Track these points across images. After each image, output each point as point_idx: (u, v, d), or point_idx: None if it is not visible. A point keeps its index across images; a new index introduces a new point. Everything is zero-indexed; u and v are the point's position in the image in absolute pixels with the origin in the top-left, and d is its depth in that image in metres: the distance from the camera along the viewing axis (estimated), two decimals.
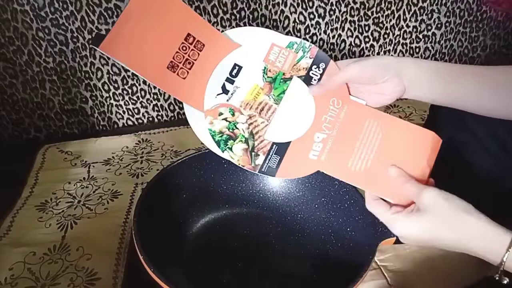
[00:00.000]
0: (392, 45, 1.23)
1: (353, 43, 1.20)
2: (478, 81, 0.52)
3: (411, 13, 1.19)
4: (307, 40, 1.15)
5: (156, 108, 1.12)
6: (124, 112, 1.10)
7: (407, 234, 0.46)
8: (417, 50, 1.26)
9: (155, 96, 1.10)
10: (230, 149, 0.52)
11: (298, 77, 0.54)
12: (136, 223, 0.57)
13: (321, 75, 0.54)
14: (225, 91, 0.53)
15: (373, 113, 0.54)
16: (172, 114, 1.14)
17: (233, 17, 1.05)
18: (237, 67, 0.54)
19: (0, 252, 0.71)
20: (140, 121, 1.13)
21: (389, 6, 1.16)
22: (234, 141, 0.52)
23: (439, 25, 1.23)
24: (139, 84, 1.08)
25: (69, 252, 0.71)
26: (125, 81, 1.06)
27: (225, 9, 1.04)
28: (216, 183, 0.74)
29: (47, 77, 1.00)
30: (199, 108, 0.52)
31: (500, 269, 0.42)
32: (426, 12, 1.20)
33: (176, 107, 1.13)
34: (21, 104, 1.01)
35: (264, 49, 0.55)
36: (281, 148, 0.52)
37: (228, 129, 0.52)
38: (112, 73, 1.04)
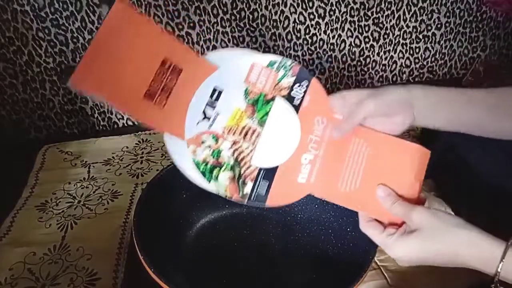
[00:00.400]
0: (392, 45, 1.23)
1: (353, 43, 1.20)
2: (485, 107, 0.52)
3: (411, 13, 1.19)
4: (307, 41, 1.15)
5: None
6: (124, 112, 1.10)
7: (402, 257, 0.46)
8: (417, 50, 1.26)
9: None
10: (216, 178, 0.49)
11: (281, 97, 0.52)
12: (136, 223, 0.57)
13: (304, 93, 0.52)
14: (206, 117, 0.50)
15: (359, 130, 0.52)
16: None
17: (233, 17, 1.05)
18: (217, 91, 0.51)
19: (0, 252, 0.71)
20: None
21: (389, 6, 1.16)
22: (219, 170, 0.50)
23: (439, 25, 1.23)
24: None
25: (69, 252, 0.71)
26: None
27: (225, 9, 1.04)
28: None
29: (47, 77, 1.00)
30: (181, 137, 0.49)
31: (495, 279, 0.42)
32: (426, 12, 1.20)
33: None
34: (21, 104, 1.01)
35: (244, 70, 0.52)
36: (269, 173, 0.50)
37: (213, 157, 0.50)
38: None
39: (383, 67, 1.26)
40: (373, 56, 1.23)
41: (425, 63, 1.29)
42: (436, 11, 1.20)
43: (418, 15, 1.20)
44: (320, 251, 0.68)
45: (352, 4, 1.13)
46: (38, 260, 0.70)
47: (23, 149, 1.02)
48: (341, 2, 1.12)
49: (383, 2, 1.15)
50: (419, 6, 1.18)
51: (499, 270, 0.41)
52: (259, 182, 0.50)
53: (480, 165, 0.64)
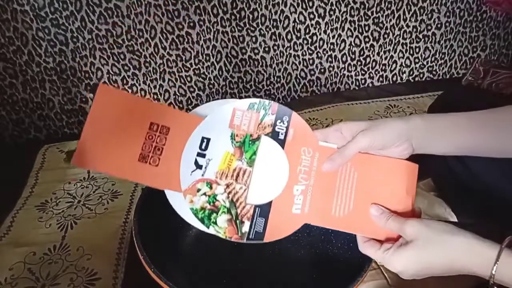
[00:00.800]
0: (392, 45, 1.23)
1: (353, 43, 1.20)
2: (488, 130, 0.51)
3: (411, 13, 1.19)
4: (307, 41, 1.15)
5: None
6: None
7: (401, 269, 0.47)
8: (417, 50, 1.26)
9: (155, 96, 1.10)
10: (215, 223, 0.52)
11: (265, 135, 0.55)
12: (136, 223, 0.57)
13: (287, 128, 0.55)
14: (198, 166, 0.53)
15: None
16: None
17: (233, 17, 1.05)
18: (205, 140, 0.54)
19: (0, 252, 0.71)
20: None
21: (389, 6, 1.16)
22: (217, 214, 0.52)
23: (439, 25, 1.23)
24: (139, 84, 1.08)
25: (69, 252, 0.71)
26: (125, 81, 1.06)
27: (225, 9, 1.04)
28: None
29: (47, 77, 1.00)
30: (178, 190, 0.52)
31: (491, 282, 0.42)
32: (426, 12, 1.20)
33: (176, 108, 1.13)
34: (21, 104, 1.01)
35: (227, 116, 0.55)
36: (264, 210, 0.52)
37: (209, 204, 0.52)
38: (112, 73, 1.04)
39: (383, 67, 1.26)
40: (373, 56, 1.23)
41: (425, 63, 1.29)
42: (436, 11, 1.20)
43: (418, 15, 1.20)
44: (320, 251, 0.68)
45: (352, 4, 1.13)
46: (38, 260, 0.70)
47: (23, 149, 1.02)
48: (341, 2, 1.12)
49: (383, 2, 1.15)
50: (419, 6, 1.18)
51: (493, 272, 0.42)
52: (256, 219, 0.52)
53: (479, 166, 0.64)
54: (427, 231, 0.45)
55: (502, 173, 0.62)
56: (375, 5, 1.15)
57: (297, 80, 1.21)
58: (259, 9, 1.07)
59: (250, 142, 0.54)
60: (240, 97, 1.18)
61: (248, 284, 0.64)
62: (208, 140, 0.54)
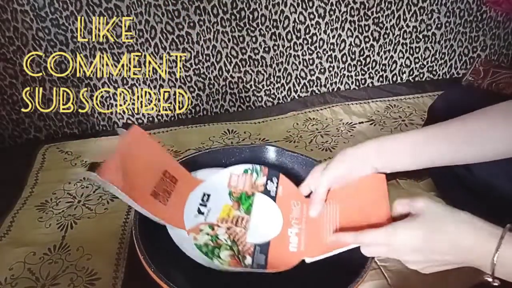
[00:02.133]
0: (392, 45, 1.23)
1: (353, 43, 1.20)
2: (443, 142, 0.53)
3: (411, 13, 1.19)
4: (307, 41, 1.15)
5: (156, 108, 1.12)
6: (124, 112, 1.10)
7: (404, 241, 0.46)
8: (417, 50, 1.26)
9: (155, 96, 1.10)
10: (218, 256, 0.56)
11: (259, 192, 0.64)
12: (136, 223, 0.57)
13: (277, 187, 0.65)
14: (201, 213, 0.60)
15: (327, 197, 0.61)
16: (172, 114, 1.14)
17: (233, 17, 1.05)
18: (206, 195, 0.63)
19: (0, 252, 0.71)
20: (140, 121, 1.13)
21: (389, 6, 1.16)
22: (220, 250, 0.57)
23: (439, 25, 1.23)
24: (139, 84, 1.08)
25: (69, 252, 0.72)
26: (125, 81, 1.06)
27: (225, 9, 1.04)
28: None
29: (47, 77, 1.00)
30: (182, 228, 0.58)
31: (493, 260, 0.42)
32: (426, 12, 1.20)
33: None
34: (21, 104, 1.01)
35: (225, 179, 0.65)
36: (263, 248, 0.58)
37: (212, 241, 0.57)
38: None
39: (383, 67, 1.26)
40: (373, 56, 1.23)
41: (425, 63, 1.29)
42: (436, 11, 1.20)
43: (418, 15, 1.20)
44: None
45: (352, 4, 1.13)
46: (38, 260, 0.70)
47: (23, 149, 1.02)
48: (341, 2, 1.12)
49: (383, 2, 1.15)
50: (419, 6, 1.18)
51: (495, 260, 0.42)
52: (257, 254, 0.57)
53: (479, 165, 0.64)
54: (436, 207, 0.47)
55: (502, 172, 0.62)
56: (375, 5, 1.15)
57: (297, 80, 1.21)
58: (259, 9, 1.07)
59: (246, 197, 0.63)
60: (240, 97, 1.18)
61: (247, 284, 0.64)
62: (209, 195, 0.63)
